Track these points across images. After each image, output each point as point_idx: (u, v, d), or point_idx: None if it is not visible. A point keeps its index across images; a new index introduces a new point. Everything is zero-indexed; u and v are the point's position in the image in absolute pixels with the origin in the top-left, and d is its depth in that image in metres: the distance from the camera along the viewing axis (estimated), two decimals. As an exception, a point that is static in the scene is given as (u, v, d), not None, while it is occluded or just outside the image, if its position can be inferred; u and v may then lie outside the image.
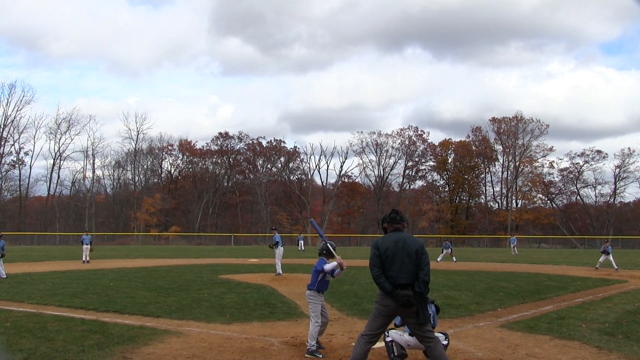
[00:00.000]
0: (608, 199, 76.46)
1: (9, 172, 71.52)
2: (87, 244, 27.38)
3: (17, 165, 71.59)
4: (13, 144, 70.31)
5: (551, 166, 77.92)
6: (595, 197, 77.52)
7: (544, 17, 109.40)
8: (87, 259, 26.93)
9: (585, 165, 75.05)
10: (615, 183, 74.57)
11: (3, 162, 69.71)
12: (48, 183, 73.91)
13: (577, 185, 76.67)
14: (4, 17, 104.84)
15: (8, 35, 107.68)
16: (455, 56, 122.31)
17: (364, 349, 6.09)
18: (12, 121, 69.01)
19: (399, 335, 7.06)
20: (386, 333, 7.17)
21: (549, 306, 12.33)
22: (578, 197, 77.96)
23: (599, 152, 74.24)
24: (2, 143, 68.77)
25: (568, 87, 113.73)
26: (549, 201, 79.51)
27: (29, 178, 73.79)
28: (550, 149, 77.52)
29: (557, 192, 79.13)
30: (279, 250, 20.16)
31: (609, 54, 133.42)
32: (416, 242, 6.14)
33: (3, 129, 68.55)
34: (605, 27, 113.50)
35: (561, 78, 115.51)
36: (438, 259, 30.13)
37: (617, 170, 73.76)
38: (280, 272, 19.68)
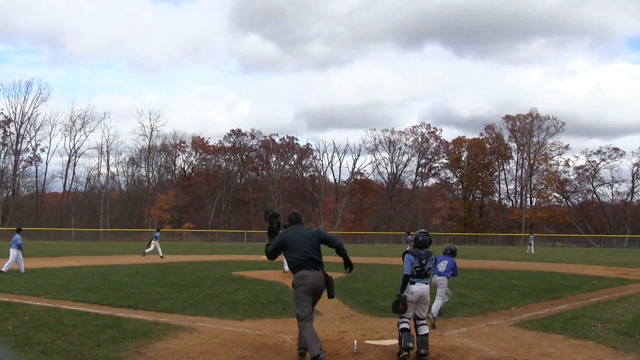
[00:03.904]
0: (625, 197, 75.75)
1: (25, 169, 72.46)
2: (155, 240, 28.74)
3: (33, 162, 72.48)
4: (30, 141, 71.23)
5: (567, 164, 77.30)
6: (612, 195, 76.87)
7: (568, 13, 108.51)
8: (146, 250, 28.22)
9: (601, 163, 74.35)
10: (632, 181, 73.85)
11: (20, 158, 70.57)
12: (63, 179, 74.74)
13: (593, 184, 75.97)
14: (29, 14, 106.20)
15: (32, 33, 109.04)
16: (476, 53, 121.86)
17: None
18: (29, 118, 69.88)
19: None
20: (400, 318, 7.31)
21: (563, 305, 12.23)
22: (594, 196, 77.27)
23: (616, 149, 73.57)
24: (19, 140, 69.60)
25: (591, 84, 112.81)
26: (564, 199, 78.83)
27: (45, 174, 74.67)
28: (566, 147, 76.93)
29: (572, 190, 78.45)
30: None
31: (636, 49, 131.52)
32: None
33: (20, 126, 69.40)
34: (633, 21, 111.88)
35: (584, 75, 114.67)
36: None
37: (635, 168, 72.98)
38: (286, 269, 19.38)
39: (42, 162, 73.45)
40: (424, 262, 7.37)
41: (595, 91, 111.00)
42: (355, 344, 7.62)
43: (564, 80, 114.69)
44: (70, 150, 73.59)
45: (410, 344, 7.06)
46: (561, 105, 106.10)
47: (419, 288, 7.32)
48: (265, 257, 7.51)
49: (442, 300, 10.16)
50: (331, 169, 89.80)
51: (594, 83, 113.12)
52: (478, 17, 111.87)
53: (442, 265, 10.37)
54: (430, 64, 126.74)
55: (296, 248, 6.93)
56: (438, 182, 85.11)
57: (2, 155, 69.58)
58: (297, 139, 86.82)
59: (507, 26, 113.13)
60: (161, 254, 28.03)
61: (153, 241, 28.71)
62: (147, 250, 28.22)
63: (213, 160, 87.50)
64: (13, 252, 18.02)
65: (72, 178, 75.80)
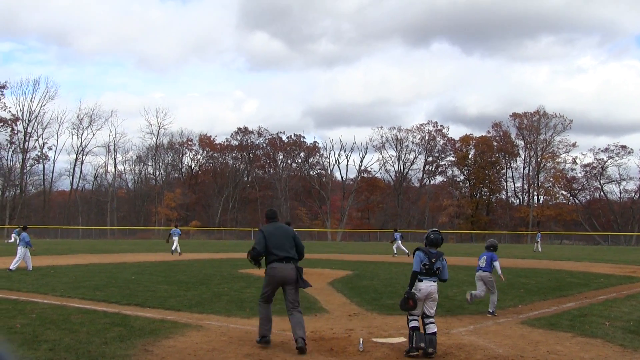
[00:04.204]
0: (633, 195, 75.32)
1: (33, 167, 72.80)
2: (176, 237, 29.51)
3: (41, 160, 72.79)
4: (37, 139, 71.56)
5: (574, 162, 76.97)
6: (620, 193, 76.48)
7: (576, 10, 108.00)
8: (178, 249, 28.99)
9: (609, 160, 73.97)
10: (640, 179, 73.33)
11: (27, 156, 70.91)
12: (71, 177, 75.18)
13: (601, 181, 75.58)
14: (37, 13, 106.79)
15: (40, 31, 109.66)
16: (483, 51, 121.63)
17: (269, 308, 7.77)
18: (36, 116, 70.19)
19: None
20: (409, 316, 7.33)
21: (570, 303, 12.18)
22: (602, 193, 76.89)
23: (623, 147, 73.16)
24: (27, 138, 69.91)
25: (599, 82, 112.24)
26: (571, 197, 78.52)
27: (53, 172, 75.06)
28: (574, 145, 76.64)
29: (580, 188, 78.12)
30: None
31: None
32: None
33: (27, 124, 69.70)
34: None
35: (592, 72, 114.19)
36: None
37: (643, 165, 72.44)
38: None
39: (49, 160, 73.91)
40: (433, 260, 7.37)
41: (604, 88, 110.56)
42: (361, 342, 7.61)
43: (572, 78, 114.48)
44: (78, 149, 74.06)
45: (422, 344, 7.06)
46: (569, 103, 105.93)
47: (426, 286, 7.31)
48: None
49: (495, 296, 10.75)
50: (338, 166, 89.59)
51: (602, 80, 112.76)
52: (486, 14, 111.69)
53: (483, 261, 10.86)
54: (438, 62, 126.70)
55: (275, 245, 7.70)
56: (445, 180, 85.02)
57: (10, 154, 70.07)
58: (304, 137, 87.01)
59: (515, 24, 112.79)
60: (172, 251, 28.37)
61: (174, 237, 29.26)
62: (177, 249, 28.73)
63: (220, 158, 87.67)
64: (20, 249, 18.13)
65: (80, 176, 76.32)
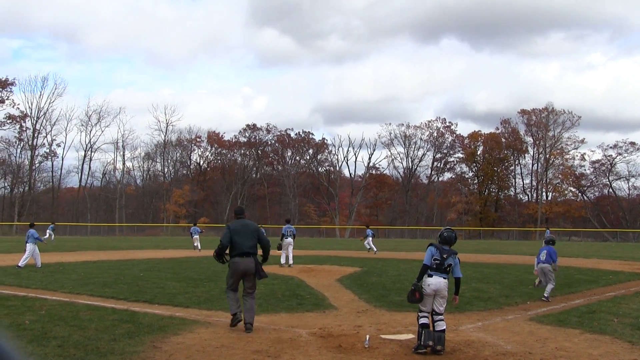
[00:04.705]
0: (642, 191, 74.77)
1: (41, 164, 73.08)
2: (196, 235, 30.68)
3: (49, 157, 73.08)
4: (45, 136, 71.78)
5: (582, 158, 76.49)
6: (629, 189, 75.95)
7: (587, 6, 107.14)
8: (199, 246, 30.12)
9: (618, 157, 73.48)
10: (650, 175, 72.78)
11: (36, 153, 71.21)
12: (79, 174, 75.34)
13: (610, 178, 75.11)
14: (46, 10, 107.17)
15: (49, 28, 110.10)
16: (493, 47, 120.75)
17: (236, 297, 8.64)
18: (45, 113, 70.42)
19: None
20: (419, 312, 7.33)
21: (579, 300, 12.14)
22: (610, 190, 76.42)
23: (632, 143, 72.54)
24: (35, 135, 70.21)
25: (609, 78, 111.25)
26: (580, 194, 78.06)
27: (61, 169, 75.24)
28: (582, 141, 76.12)
29: (588, 184, 77.63)
30: (286, 241, 20.12)
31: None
32: None
33: (36, 121, 70.00)
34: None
35: (602, 69, 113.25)
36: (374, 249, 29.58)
37: (652, 162, 71.97)
38: (283, 263, 19.77)
39: (57, 157, 74.06)
40: (445, 256, 7.36)
41: (613, 85, 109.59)
42: (367, 338, 7.60)
43: (581, 74, 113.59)
44: (86, 145, 74.16)
45: (430, 342, 7.05)
46: (578, 100, 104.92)
47: (436, 281, 7.30)
48: (255, 252, 8.76)
49: (552, 285, 12.03)
50: (346, 163, 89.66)
51: (612, 77, 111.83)
52: (495, 10, 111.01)
53: (544, 255, 12.34)
54: (447, 58, 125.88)
55: (239, 241, 8.52)
56: (453, 176, 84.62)
57: (19, 151, 70.25)
58: (312, 134, 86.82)
59: (524, 20, 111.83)
60: (194, 247, 29.34)
61: (195, 235, 30.02)
62: (198, 246, 29.62)
63: (228, 155, 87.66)
64: (29, 246, 18.21)
65: (88, 173, 76.46)
